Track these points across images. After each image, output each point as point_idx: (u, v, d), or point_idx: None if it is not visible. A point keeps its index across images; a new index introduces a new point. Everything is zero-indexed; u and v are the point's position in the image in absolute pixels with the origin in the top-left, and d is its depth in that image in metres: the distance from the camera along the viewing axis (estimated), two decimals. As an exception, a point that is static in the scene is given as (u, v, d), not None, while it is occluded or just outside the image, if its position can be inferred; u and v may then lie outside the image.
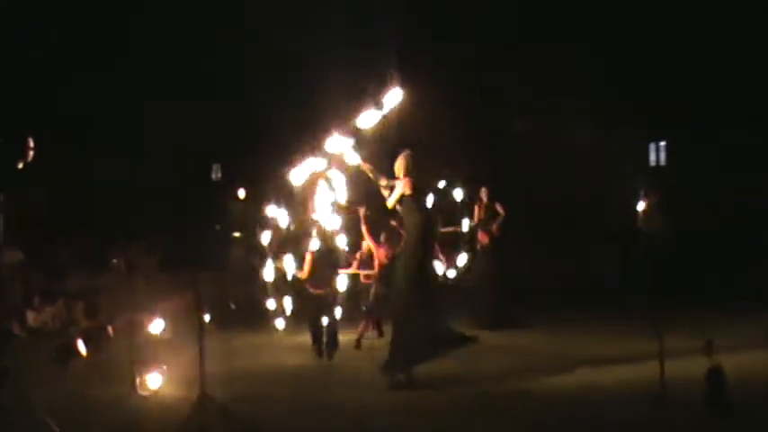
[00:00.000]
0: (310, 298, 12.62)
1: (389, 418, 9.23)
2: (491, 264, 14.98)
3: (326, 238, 12.32)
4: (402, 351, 10.44)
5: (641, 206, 10.03)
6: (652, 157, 21.86)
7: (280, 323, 13.30)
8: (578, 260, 18.30)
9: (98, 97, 19.31)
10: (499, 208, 14.94)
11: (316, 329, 12.60)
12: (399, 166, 10.56)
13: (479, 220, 15.06)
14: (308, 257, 12.45)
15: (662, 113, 19.78)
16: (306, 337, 13.10)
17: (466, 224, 14.52)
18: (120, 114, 19.47)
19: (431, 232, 10.66)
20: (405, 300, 10.51)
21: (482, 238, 15.03)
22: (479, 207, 15.08)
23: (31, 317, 14.79)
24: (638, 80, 19.43)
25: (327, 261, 12.50)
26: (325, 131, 10.37)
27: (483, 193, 15.12)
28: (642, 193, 10.24)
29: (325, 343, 12.40)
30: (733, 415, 8.56)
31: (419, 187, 10.48)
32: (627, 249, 17.12)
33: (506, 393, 10.10)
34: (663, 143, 21.68)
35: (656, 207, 9.98)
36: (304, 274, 12.47)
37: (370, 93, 10.22)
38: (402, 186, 10.44)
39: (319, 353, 12.43)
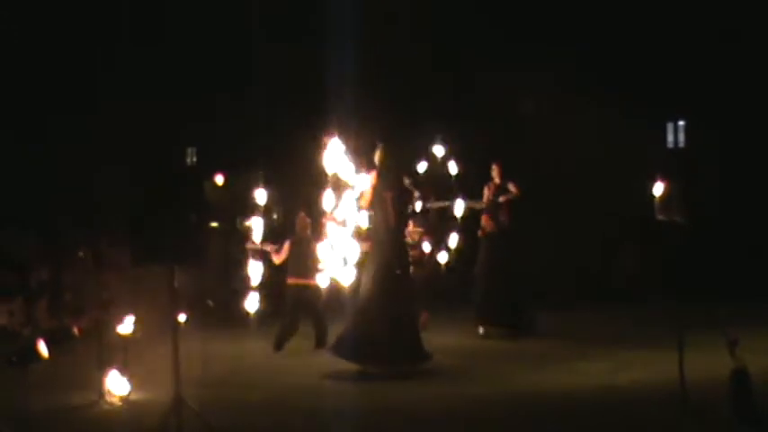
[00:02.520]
0: (290, 289, 13.10)
1: (377, 424, 9.24)
2: (497, 254, 14.21)
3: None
4: (354, 342, 11.36)
5: (657, 192, 9.95)
6: (670, 138, 21.82)
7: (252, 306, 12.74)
8: (592, 250, 18.28)
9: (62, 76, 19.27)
10: (512, 187, 14.21)
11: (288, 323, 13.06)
12: (377, 157, 11.77)
13: (489, 202, 14.29)
14: (287, 245, 13.21)
15: (680, 90, 19.74)
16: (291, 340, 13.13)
17: (460, 206, 13.82)
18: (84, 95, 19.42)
19: (401, 228, 11.92)
20: (369, 295, 11.49)
21: (487, 223, 14.32)
22: (489, 188, 14.37)
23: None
24: (654, 54, 19.38)
25: (309, 251, 12.74)
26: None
27: (494, 172, 14.37)
28: (658, 177, 10.17)
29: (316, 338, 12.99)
30: (756, 420, 8.56)
31: (389, 181, 11.66)
32: (645, 241, 17.08)
33: (513, 395, 10.15)
34: (682, 123, 21.64)
35: (677, 194, 9.92)
36: (279, 260, 13.19)
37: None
38: (371, 179, 11.61)
39: (278, 346, 12.93)
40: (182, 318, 11.33)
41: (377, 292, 11.44)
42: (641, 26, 19.33)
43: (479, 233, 14.38)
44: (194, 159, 22.33)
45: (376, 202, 11.64)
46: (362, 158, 11.80)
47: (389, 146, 11.85)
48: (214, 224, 18.39)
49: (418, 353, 11.55)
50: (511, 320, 14.03)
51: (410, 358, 11.45)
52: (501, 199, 14.13)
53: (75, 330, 14.09)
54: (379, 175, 11.62)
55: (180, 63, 19.85)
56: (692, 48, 19.17)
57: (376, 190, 11.57)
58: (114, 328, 10.69)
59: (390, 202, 11.61)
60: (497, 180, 14.33)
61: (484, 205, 14.23)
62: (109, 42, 19.47)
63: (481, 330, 14.13)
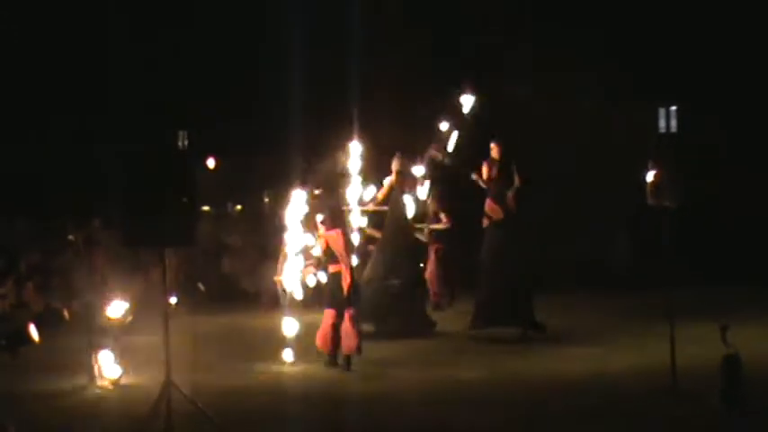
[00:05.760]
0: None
1: (367, 408, 9.28)
2: (503, 245, 12.83)
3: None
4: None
5: (650, 178, 9.97)
6: (662, 124, 21.83)
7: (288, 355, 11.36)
8: (584, 236, 18.28)
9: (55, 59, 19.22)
10: (516, 177, 12.85)
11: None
12: (394, 164, 13.41)
13: (489, 183, 12.91)
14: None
15: (673, 76, 19.73)
16: (275, 323, 13.07)
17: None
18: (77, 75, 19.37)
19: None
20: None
21: (492, 210, 12.95)
22: (489, 167, 12.98)
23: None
24: (646, 39, 19.37)
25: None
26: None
27: (494, 151, 12.98)
28: (651, 163, 10.16)
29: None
30: (746, 407, 8.57)
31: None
32: (637, 226, 17.06)
33: (507, 380, 10.18)
34: (673, 108, 21.65)
35: (668, 179, 9.93)
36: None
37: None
38: (390, 181, 13.43)
39: None
40: (172, 300, 11.31)
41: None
42: (634, 13, 19.31)
43: (484, 221, 13.08)
44: (186, 142, 22.28)
45: (391, 201, 13.36)
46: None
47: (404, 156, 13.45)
48: (205, 208, 18.37)
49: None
50: (520, 320, 12.75)
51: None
52: (510, 194, 12.78)
53: (66, 314, 14.04)
54: (397, 180, 13.38)
55: (175, 49, 19.84)
56: (685, 33, 19.15)
57: (393, 191, 13.37)
58: (105, 312, 10.67)
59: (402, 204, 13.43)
60: (497, 157, 12.98)
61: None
62: (106, 28, 19.44)
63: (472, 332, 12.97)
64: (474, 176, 13.08)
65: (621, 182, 16.22)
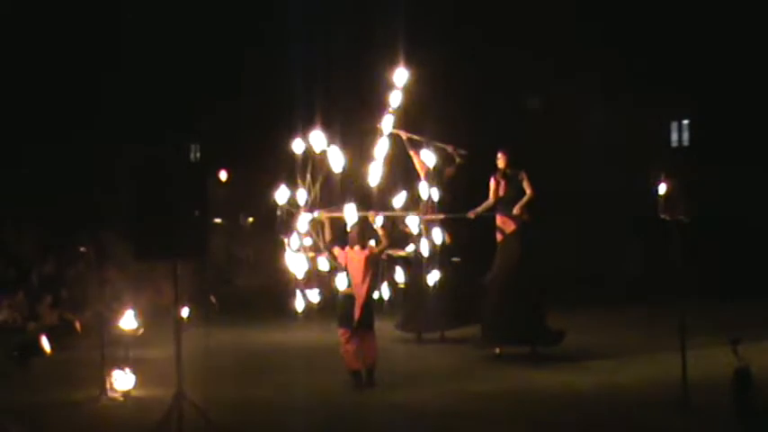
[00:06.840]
0: None
1: (380, 421, 9.30)
2: (514, 258, 12.16)
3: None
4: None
5: (662, 190, 9.96)
6: (674, 137, 21.83)
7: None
8: (596, 249, 18.25)
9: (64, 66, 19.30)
10: (526, 185, 12.12)
11: None
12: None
13: (495, 197, 12.23)
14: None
15: (685, 89, 19.73)
16: (287, 336, 13.07)
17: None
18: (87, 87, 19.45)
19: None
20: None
21: (503, 224, 12.25)
22: (497, 182, 12.26)
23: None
24: (659, 53, 19.38)
25: None
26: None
27: (500, 160, 12.26)
28: (663, 176, 10.12)
29: None
30: (759, 421, 8.55)
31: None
32: (649, 239, 17.02)
33: (518, 393, 10.17)
34: (686, 122, 21.65)
35: (680, 192, 9.93)
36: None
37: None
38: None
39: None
40: (184, 313, 11.29)
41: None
42: (647, 25, 19.34)
43: (498, 238, 12.32)
44: (198, 155, 22.35)
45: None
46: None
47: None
48: (217, 220, 18.42)
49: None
50: (534, 337, 12.13)
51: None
52: (515, 211, 12.07)
53: (78, 326, 14.08)
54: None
55: (185, 59, 19.92)
56: (698, 47, 19.16)
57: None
58: (116, 324, 10.70)
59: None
60: (503, 167, 12.25)
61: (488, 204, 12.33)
62: (115, 41, 19.54)
63: (498, 351, 12.30)
64: (471, 215, 12.37)
65: (633, 195, 16.22)
